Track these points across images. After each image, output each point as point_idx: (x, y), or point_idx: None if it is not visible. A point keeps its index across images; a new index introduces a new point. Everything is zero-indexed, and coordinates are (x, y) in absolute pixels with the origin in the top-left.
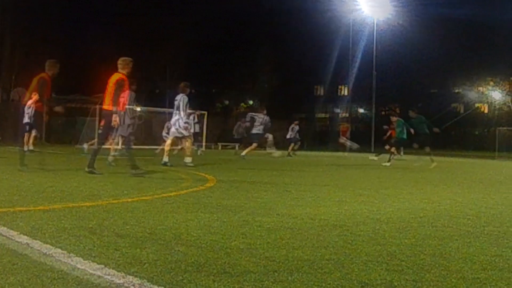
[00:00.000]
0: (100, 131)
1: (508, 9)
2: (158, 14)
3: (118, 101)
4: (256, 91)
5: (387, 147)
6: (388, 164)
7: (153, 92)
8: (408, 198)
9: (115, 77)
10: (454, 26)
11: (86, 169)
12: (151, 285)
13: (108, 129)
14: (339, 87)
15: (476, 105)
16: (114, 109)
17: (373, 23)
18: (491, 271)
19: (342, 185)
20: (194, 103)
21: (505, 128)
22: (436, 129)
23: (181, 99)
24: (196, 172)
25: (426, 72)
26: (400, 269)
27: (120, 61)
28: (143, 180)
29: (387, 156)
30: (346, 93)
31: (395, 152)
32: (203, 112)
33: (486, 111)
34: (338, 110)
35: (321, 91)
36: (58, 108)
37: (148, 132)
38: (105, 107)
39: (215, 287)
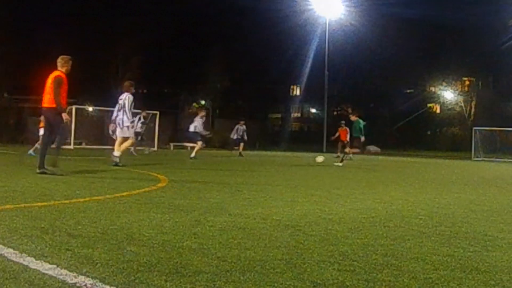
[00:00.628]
0: (46, 131)
1: (460, 9)
2: (110, 14)
3: (60, 99)
4: (208, 91)
5: (347, 149)
6: (340, 164)
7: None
8: (360, 198)
9: (53, 75)
10: (406, 26)
11: (38, 170)
12: (103, 285)
13: (57, 127)
14: (291, 87)
15: (428, 105)
16: (58, 107)
17: (325, 23)
18: (443, 271)
19: (294, 185)
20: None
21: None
22: (362, 138)
23: (126, 98)
24: (148, 172)
25: (378, 72)
26: (352, 269)
27: (59, 59)
28: (95, 180)
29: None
30: (298, 93)
31: (350, 152)
32: (154, 112)
33: (438, 111)
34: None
35: (273, 91)
36: (65, 116)
37: (100, 132)
38: (45, 105)
39: (167, 287)
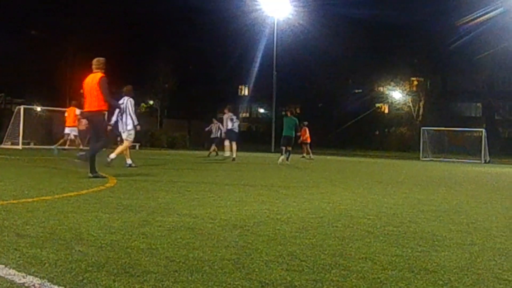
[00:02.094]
0: (94, 133)
1: (408, 10)
2: (58, 14)
3: (111, 98)
4: (156, 91)
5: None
6: (288, 162)
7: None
8: (308, 198)
9: (96, 78)
10: (354, 27)
11: (90, 174)
12: (52, 285)
13: (102, 130)
14: (240, 87)
15: (377, 105)
16: (115, 105)
17: (274, 23)
18: (392, 271)
19: (243, 185)
20: None
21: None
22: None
23: (127, 101)
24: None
25: (327, 72)
26: (301, 269)
27: (96, 62)
28: (43, 180)
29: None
30: (246, 93)
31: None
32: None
33: (386, 111)
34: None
35: (221, 91)
36: (82, 122)
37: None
38: (90, 109)
39: (116, 287)
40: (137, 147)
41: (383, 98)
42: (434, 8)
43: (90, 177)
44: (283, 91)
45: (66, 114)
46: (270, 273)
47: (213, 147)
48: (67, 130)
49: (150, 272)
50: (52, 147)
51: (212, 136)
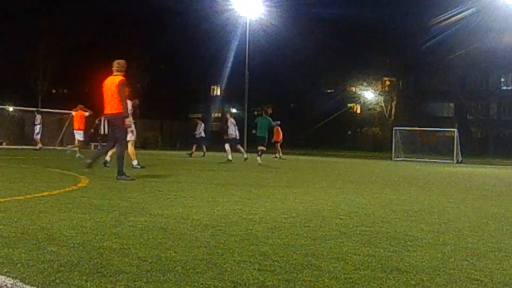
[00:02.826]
0: (116, 136)
1: (380, 10)
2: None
3: (126, 104)
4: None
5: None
6: (260, 161)
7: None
8: (280, 198)
9: (116, 80)
10: (326, 27)
11: (118, 177)
12: (24, 285)
13: (122, 132)
14: (212, 87)
15: (349, 105)
16: (125, 112)
17: (246, 23)
18: (364, 271)
19: (215, 185)
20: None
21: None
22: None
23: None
24: (69, 172)
25: (299, 72)
26: (273, 269)
27: (117, 64)
28: (16, 180)
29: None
30: (218, 93)
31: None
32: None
33: (358, 111)
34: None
35: (194, 91)
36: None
37: (20, 132)
38: (111, 111)
39: (88, 287)
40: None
41: (355, 98)
42: (406, 8)
43: (118, 179)
44: (255, 91)
45: (73, 117)
46: (242, 273)
47: (195, 147)
48: (77, 135)
49: (122, 272)
50: (76, 155)
51: (197, 136)
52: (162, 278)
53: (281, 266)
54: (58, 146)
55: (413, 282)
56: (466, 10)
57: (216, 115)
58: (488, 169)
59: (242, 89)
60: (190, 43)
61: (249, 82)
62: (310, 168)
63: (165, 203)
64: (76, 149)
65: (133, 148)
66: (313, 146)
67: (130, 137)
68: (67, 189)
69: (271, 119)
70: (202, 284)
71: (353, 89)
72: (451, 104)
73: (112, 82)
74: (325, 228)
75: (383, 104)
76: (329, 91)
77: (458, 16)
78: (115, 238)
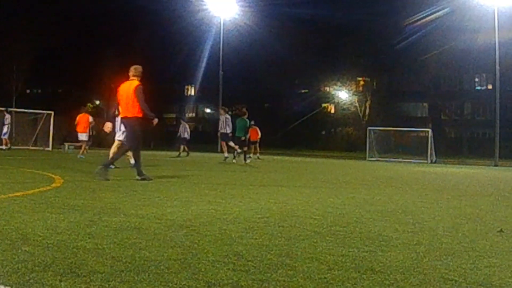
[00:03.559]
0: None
1: (354, 10)
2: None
3: (146, 106)
4: (102, 91)
5: (245, 148)
6: (235, 161)
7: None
8: (254, 198)
9: (132, 85)
10: (301, 27)
11: (138, 177)
12: None
13: (138, 136)
14: (186, 87)
15: (323, 105)
16: (149, 115)
17: (220, 23)
18: (338, 271)
19: (189, 185)
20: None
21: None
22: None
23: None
24: (42, 172)
25: (273, 72)
26: (247, 269)
27: (133, 70)
28: None
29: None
30: (192, 93)
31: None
32: (49, 112)
33: (332, 111)
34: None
35: (168, 91)
36: (107, 125)
37: None
38: (128, 115)
39: (62, 287)
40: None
41: (329, 98)
42: (380, 8)
43: (138, 180)
44: (229, 91)
45: (77, 121)
46: (216, 273)
47: (182, 147)
48: (80, 137)
49: (97, 272)
50: (78, 156)
51: (182, 136)
52: (136, 278)
53: (255, 266)
54: (32, 146)
55: (387, 282)
56: (440, 10)
57: (190, 115)
58: (462, 169)
59: (217, 89)
60: (164, 43)
61: (223, 82)
62: (284, 168)
63: (139, 203)
64: (81, 150)
65: (116, 148)
66: (287, 146)
67: (118, 136)
68: (41, 189)
69: (248, 121)
70: (176, 284)
71: (327, 89)
72: (425, 104)
73: (129, 87)
74: (299, 228)
75: (357, 104)
76: (303, 91)
77: (432, 16)
78: (89, 238)
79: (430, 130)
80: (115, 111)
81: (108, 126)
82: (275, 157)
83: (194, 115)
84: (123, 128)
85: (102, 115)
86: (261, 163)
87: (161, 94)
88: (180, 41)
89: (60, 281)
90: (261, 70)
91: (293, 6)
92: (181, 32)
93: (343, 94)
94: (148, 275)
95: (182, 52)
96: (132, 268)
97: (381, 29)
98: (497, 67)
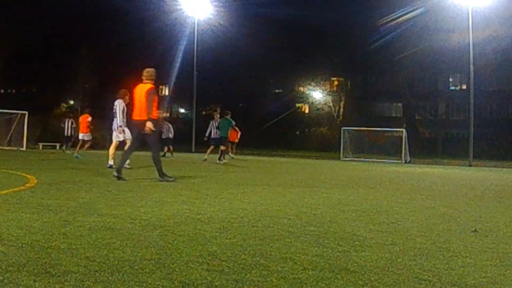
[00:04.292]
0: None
1: (329, 10)
2: None
3: (151, 111)
4: (77, 91)
5: (222, 147)
6: (225, 161)
7: None
8: (229, 198)
9: (145, 88)
10: (275, 27)
11: (160, 178)
12: None
13: (153, 138)
14: (160, 87)
15: (297, 105)
16: (149, 118)
17: (194, 23)
18: (312, 271)
19: (163, 185)
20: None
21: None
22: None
23: (117, 104)
24: (17, 172)
25: (247, 72)
26: (221, 269)
27: (146, 73)
28: None
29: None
30: (166, 93)
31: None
32: (23, 112)
33: (307, 111)
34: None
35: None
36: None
37: None
38: (138, 118)
39: (36, 287)
40: (57, 147)
41: (303, 98)
42: (354, 8)
43: (160, 181)
44: (203, 91)
45: (79, 121)
46: (190, 273)
47: (167, 147)
48: (80, 136)
49: (71, 272)
50: (74, 154)
51: (164, 136)
52: (110, 278)
53: (229, 266)
54: (6, 146)
55: (361, 282)
56: (414, 10)
57: (164, 115)
58: (436, 169)
59: (191, 89)
60: (138, 43)
61: (197, 82)
62: (259, 168)
63: (113, 203)
64: (77, 149)
65: (114, 149)
66: (262, 146)
67: (117, 136)
68: (15, 189)
69: (231, 120)
70: (150, 284)
71: (302, 89)
72: (399, 104)
73: (142, 90)
74: (273, 228)
75: (331, 104)
76: (277, 91)
77: (407, 16)
78: (63, 238)
79: (404, 130)
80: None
81: (149, 126)
82: (249, 157)
83: (168, 115)
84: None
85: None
86: (235, 163)
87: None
88: (154, 41)
89: (35, 281)
90: (235, 70)
91: (267, 6)
92: (155, 32)
93: (317, 94)
94: (122, 275)
95: (156, 52)
96: (106, 268)
97: (356, 29)
98: (471, 67)
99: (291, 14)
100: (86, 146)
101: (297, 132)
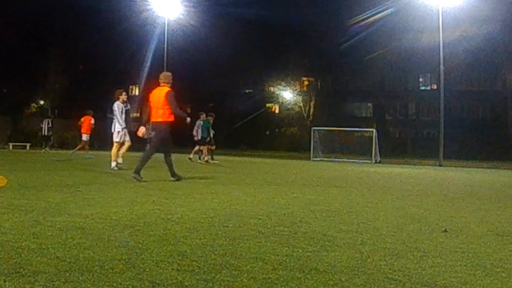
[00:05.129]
0: (154, 144)
1: (299, 10)
2: None
3: (178, 110)
4: (47, 91)
5: (196, 148)
6: (200, 161)
7: None
8: (199, 198)
9: (163, 91)
10: (245, 27)
11: (172, 179)
12: None
13: (167, 140)
14: (130, 87)
15: (267, 105)
16: (182, 116)
17: (164, 23)
18: (282, 271)
19: (133, 186)
20: None
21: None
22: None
23: (115, 106)
24: None
25: (218, 72)
26: (191, 269)
27: (163, 76)
28: None
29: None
30: (137, 93)
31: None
32: None
33: (277, 111)
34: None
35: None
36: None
37: None
38: (158, 119)
39: (6, 287)
40: (27, 147)
41: (273, 98)
42: (325, 8)
43: (173, 181)
44: (174, 90)
45: (81, 120)
46: (160, 273)
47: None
48: (84, 137)
49: (41, 272)
50: (70, 151)
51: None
52: (80, 278)
53: (199, 266)
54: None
55: (331, 282)
56: (384, 10)
57: (135, 115)
58: (407, 169)
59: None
60: (109, 43)
61: None
62: (228, 168)
63: (83, 203)
64: (76, 148)
65: (116, 150)
66: (232, 145)
67: (116, 138)
68: None
69: (208, 121)
70: (120, 284)
71: (272, 89)
72: (370, 104)
73: (160, 93)
74: (243, 228)
75: (301, 104)
76: (247, 91)
77: (377, 16)
78: (33, 238)
79: (374, 130)
80: (147, 118)
81: (141, 131)
82: (219, 157)
83: (138, 115)
84: (118, 129)
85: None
86: (206, 164)
87: (105, 94)
88: (124, 41)
89: (5, 281)
90: (206, 70)
91: (238, 6)
92: (125, 32)
93: (288, 94)
94: (93, 275)
95: (126, 52)
96: (76, 268)
97: (326, 29)
98: (441, 67)
99: (261, 14)
100: (84, 146)
101: (267, 132)
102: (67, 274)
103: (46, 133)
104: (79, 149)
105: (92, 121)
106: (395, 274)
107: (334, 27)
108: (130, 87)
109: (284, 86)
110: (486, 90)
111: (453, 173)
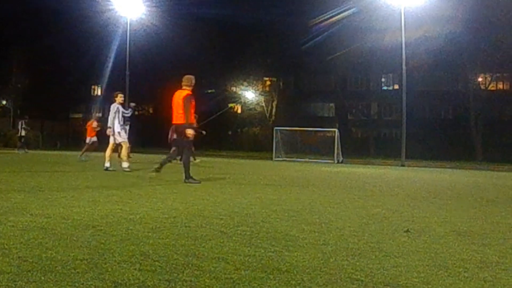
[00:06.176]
0: (186, 145)
1: (261, 10)
2: None
3: (190, 116)
4: (9, 91)
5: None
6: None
7: None
8: (161, 198)
9: (182, 94)
10: (207, 27)
11: (185, 180)
12: None
13: (187, 142)
14: (93, 87)
15: (230, 105)
16: (187, 123)
17: (127, 23)
18: (244, 271)
19: (95, 186)
20: None
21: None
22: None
23: (112, 107)
24: None
25: (180, 72)
26: (154, 269)
27: (185, 79)
28: None
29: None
30: (99, 93)
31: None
32: None
33: (239, 111)
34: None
35: (75, 91)
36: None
37: None
38: (178, 122)
39: None
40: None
41: (236, 98)
42: (286, 8)
43: (186, 182)
44: (136, 91)
45: (88, 124)
46: (123, 273)
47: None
48: (87, 140)
49: (3, 272)
50: (78, 156)
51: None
52: (42, 278)
53: (161, 266)
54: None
55: (293, 282)
56: (346, 10)
57: (97, 115)
58: (369, 169)
59: (123, 89)
60: (71, 43)
61: (130, 82)
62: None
63: (46, 203)
64: (82, 151)
65: (110, 151)
66: (194, 145)
67: (117, 139)
68: None
69: None
70: (82, 284)
71: (234, 89)
72: (332, 104)
73: (179, 96)
74: (206, 228)
75: (263, 104)
76: (209, 91)
77: (339, 16)
78: None
79: (336, 130)
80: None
81: (190, 132)
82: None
83: (101, 115)
84: (117, 130)
85: (8, 115)
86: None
87: (67, 94)
88: (86, 41)
89: None
90: (168, 69)
91: (199, 6)
92: (87, 32)
93: (250, 94)
94: (55, 275)
95: (88, 52)
96: (38, 268)
97: (288, 29)
98: (404, 67)
99: (223, 14)
100: (85, 148)
101: (230, 132)
102: (30, 274)
103: (21, 134)
104: (86, 150)
105: (94, 124)
106: (357, 274)
107: (296, 27)
108: (93, 87)
109: (246, 86)
110: (448, 90)
111: (415, 173)
